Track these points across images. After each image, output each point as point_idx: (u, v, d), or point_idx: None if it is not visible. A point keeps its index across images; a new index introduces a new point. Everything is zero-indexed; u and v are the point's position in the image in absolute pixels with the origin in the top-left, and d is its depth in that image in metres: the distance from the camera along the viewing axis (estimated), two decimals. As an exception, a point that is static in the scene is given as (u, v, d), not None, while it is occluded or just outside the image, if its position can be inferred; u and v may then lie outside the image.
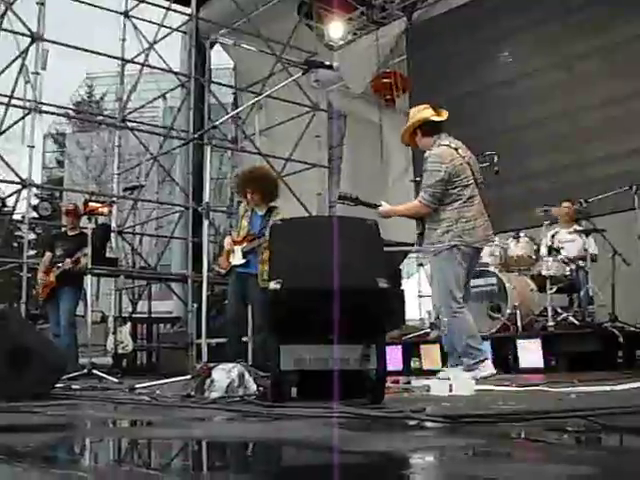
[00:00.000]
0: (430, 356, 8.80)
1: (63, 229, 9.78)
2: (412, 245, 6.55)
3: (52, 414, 3.91)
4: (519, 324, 8.60)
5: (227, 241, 7.71)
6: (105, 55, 14.80)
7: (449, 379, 5.34)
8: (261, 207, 7.74)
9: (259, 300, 7.74)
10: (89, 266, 8.59)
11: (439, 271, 6.28)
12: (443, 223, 6.22)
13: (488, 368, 6.21)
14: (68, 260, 9.05)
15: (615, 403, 3.35)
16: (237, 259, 7.58)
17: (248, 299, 7.65)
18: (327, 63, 6.02)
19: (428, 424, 2.91)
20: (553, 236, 9.19)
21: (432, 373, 6.87)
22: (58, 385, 5.56)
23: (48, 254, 9.50)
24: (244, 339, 7.88)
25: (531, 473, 1.86)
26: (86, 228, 9.06)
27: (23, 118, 12.61)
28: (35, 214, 12.61)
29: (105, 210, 9.51)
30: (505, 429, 2.78)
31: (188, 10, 15.47)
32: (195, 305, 12.13)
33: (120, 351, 11.92)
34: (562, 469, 1.89)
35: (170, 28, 15.96)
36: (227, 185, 17.55)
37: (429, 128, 6.44)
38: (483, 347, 6.30)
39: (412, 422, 2.95)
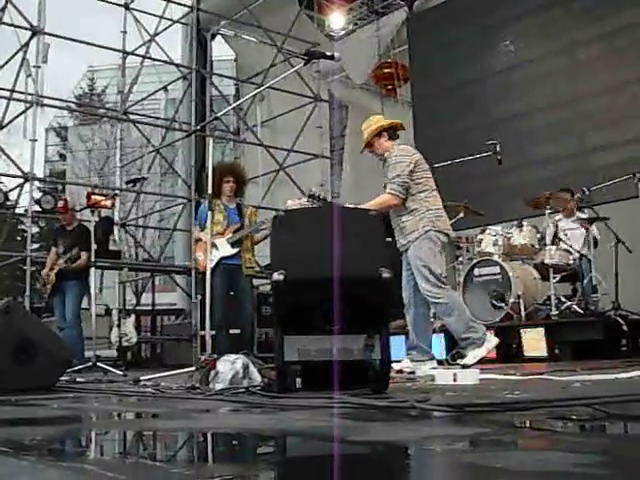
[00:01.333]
0: (434, 345, 8.80)
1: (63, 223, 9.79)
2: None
3: (58, 407, 3.92)
4: (523, 313, 8.61)
5: (204, 235, 7.61)
6: (106, 48, 14.82)
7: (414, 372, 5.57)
8: (231, 201, 7.95)
9: (248, 290, 7.82)
10: (92, 259, 8.60)
11: (417, 259, 6.30)
12: (414, 213, 6.36)
13: (492, 337, 6.45)
14: (61, 261, 9.10)
15: (619, 391, 3.36)
16: (225, 250, 7.63)
17: (236, 290, 7.72)
18: (328, 54, 6.00)
19: (433, 413, 2.91)
20: (556, 225, 9.18)
21: (437, 363, 6.88)
22: (63, 378, 5.57)
23: (53, 249, 9.52)
24: (232, 331, 7.87)
25: (536, 461, 1.86)
26: (87, 221, 9.07)
27: (25, 112, 12.62)
28: (38, 207, 12.57)
29: (108, 203, 9.52)
30: (510, 418, 2.78)
31: (189, 2, 15.49)
32: (199, 297, 12.14)
33: (124, 344, 11.94)
34: (567, 457, 1.90)
35: (171, 20, 15.96)
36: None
37: (393, 133, 6.66)
38: None
39: (417, 412, 2.95)
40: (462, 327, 6.29)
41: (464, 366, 5.96)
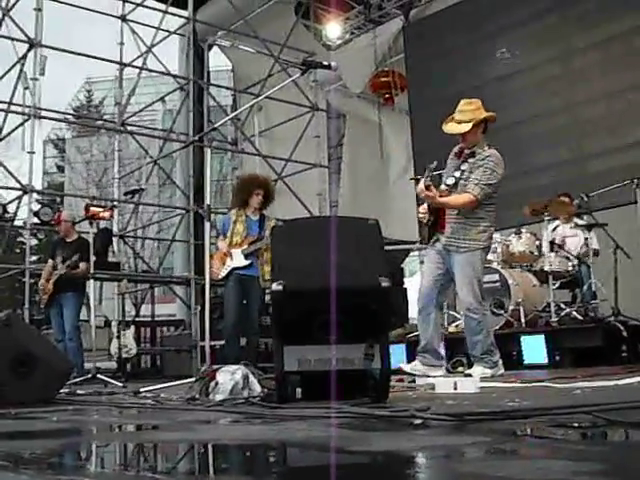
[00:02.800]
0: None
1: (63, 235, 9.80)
2: (413, 243, 6.53)
3: (57, 419, 3.92)
4: (522, 320, 8.61)
5: (222, 244, 7.77)
6: (103, 59, 14.81)
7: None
8: (256, 213, 7.99)
9: (259, 301, 7.83)
10: (91, 271, 8.60)
11: (471, 268, 6.18)
12: (481, 222, 6.20)
13: (502, 367, 6.39)
14: (62, 266, 9.09)
15: (620, 398, 3.35)
16: (238, 261, 7.66)
17: (248, 301, 7.74)
18: (325, 63, 6.01)
19: (433, 423, 2.91)
20: (554, 231, 9.19)
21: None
22: (63, 390, 5.56)
23: (50, 262, 9.53)
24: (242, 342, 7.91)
25: (537, 470, 1.86)
26: (86, 233, 9.07)
27: (22, 124, 12.61)
28: (36, 220, 12.57)
29: (106, 214, 9.54)
30: (510, 426, 2.78)
31: (185, 13, 15.47)
32: (198, 307, 12.14)
33: (124, 355, 11.93)
34: (568, 465, 1.89)
35: (168, 31, 15.96)
36: (228, 186, 17.59)
37: (486, 127, 6.39)
38: None
39: (417, 421, 2.95)
40: (484, 348, 6.25)
41: (467, 375, 5.93)
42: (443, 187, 6.23)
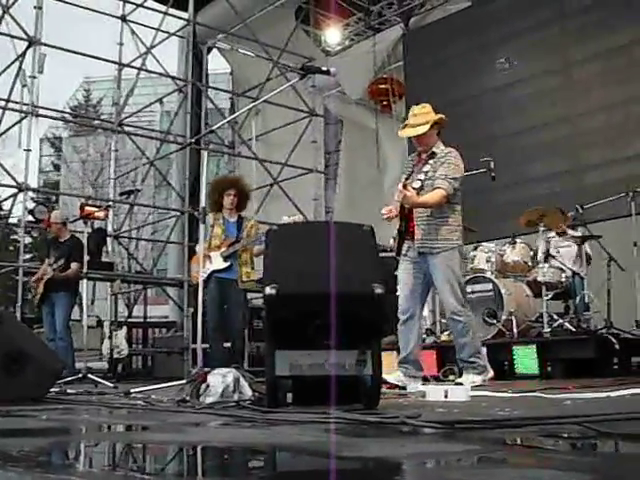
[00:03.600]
0: (426, 362, 8.80)
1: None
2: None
3: (47, 418, 3.91)
4: (515, 330, 8.60)
5: (200, 248, 7.73)
6: (102, 59, 14.82)
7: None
8: (232, 214, 7.97)
9: (240, 304, 7.80)
10: (84, 270, 8.59)
11: (449, 270, 6.19)
12: (451, 221, 6.23)
13: (490, 370, 6.44)
14: (49, 269, 9.11)
15: (610, 410, 3.35)
16: (217, 264, 7.64)
17: (229, 305, 7.72)
18: (324, 68, 6.02)
19: (423, 430, 2.90)
20: (549, 242, 9.20)
21: (428, 379, 6.88)
22: (53, 389, 5.55)
23: (46, 261, 9.53)
24: (226, 345, 7.88)
25: (526, 479, 1.86)
26: (80, 232, 9.06)
27: (20, 122, 12.61)
28: (31, 218, 12.56)
29: (101, 214, 9.53)
30: (500, 435, 2.78)
31: (185, 15, 15.48)
32: (191, 310, 12.13)
33: (115, 356, 11.91)
34: (557, 475, 1.89)
35: (167, 33, 15.97)
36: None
37: (443, 128, 6.48)
38: None
39: (407, 428, 2.94)
40: (472, 351, 6.26)
41: (458, 384, 5.93)
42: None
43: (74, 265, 9.04)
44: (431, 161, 6.23)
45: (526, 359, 8.18)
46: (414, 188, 6.13)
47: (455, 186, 6.17)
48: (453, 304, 6.17)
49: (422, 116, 6.36)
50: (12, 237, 27.37)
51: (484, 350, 6.79)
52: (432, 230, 6.18)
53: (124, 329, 12.50)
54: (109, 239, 14.59)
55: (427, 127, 6.28)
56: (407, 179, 6.35)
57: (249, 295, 9.80)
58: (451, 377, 7.81)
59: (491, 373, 6.41)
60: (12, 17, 12.70)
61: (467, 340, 6.24)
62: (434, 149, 6.32)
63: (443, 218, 6.21)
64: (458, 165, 6.25)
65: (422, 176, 6.19)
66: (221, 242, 7.76)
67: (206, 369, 4.93)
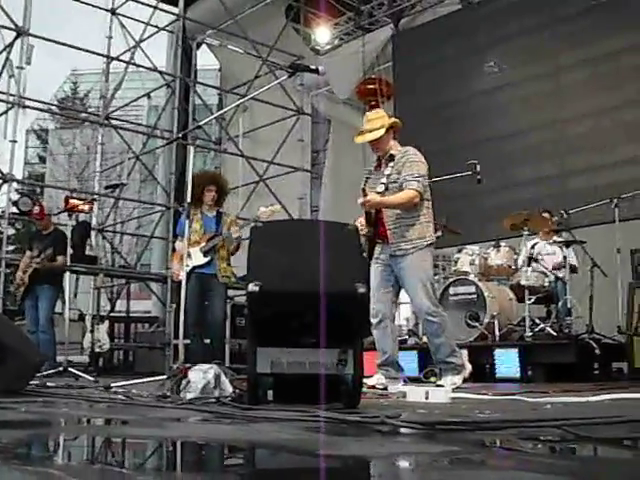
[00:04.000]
0: (407, 363, 8.81)
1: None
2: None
3: (26, 411, 3.89)
4: (497, 333, 8.63)
5: (180, 245, 7.71)
6: (90, 52, 14.75)
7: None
8: (211, 209, 7.97)
9: (221, 298, 7.78)
10: (68, 263, 8.56)
11: (421, 270, 6.16)
12: (422, 219, 6.21)
13: (468, 365, 6.48)
14: (36, 260, 9.07)
15: (590, 414, 3.37)
16: (197, 259, 7.62)
17: (210, 300, 7.71)
18: (313, 67, 6.01)
19: (403, 430, 2.91)
20: (533, 247, 9.23)
21: (410, 380, 6.89)
22: (33, 382, 5.52)
23: (27, 253, 9.49)
24: (206, 341, 7.86)
25: (504, 481, 1.87)
26: (64, 225, 9.03)
27: (6, 112, 12.57)
28: (15, 209, 12.50)
29: (86, 208, 9.49)
30: (480, 437, 2.78)
31: (175, 10, 15.46)
32: (174, 305, 12.10)
33: (97, 350, 11.86)
34: (536, 477, 1.90)
35: (157, 27, 15.94)
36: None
37: (397, 132, 6.50)
38: None
39: (387, 428, 2.94)
40: (448, 350, 6.26)
41: (438, 386, 5.95)
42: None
43: (60, 258, 9.01)
44: (391, 163, 6.24)
45: (507, 362, 8.21)
46: (378, 192, 6.14)
47: (424, 183, 6.17)
48: (427, 305, 6.15)
49: (376, 121, 6.40)
50: (-5, 228, 27.24)
51: (464, 351, 6.81)
52: (404, 231, 6.17)
53: (106, 323, 12.45)
54: (93, 233, 14.55)
55: (382, 131, 6.30)
56: (366, 183, 6.39)
57: (232, 292, 9.79)
58: (432, 379, 7.83)
59: (469, 368, 6.43)
60: (0, 7, 12.64)
61: (442, 340, 6.24)
62: (392, 152, 6.32)
63: (413, 217, 6.19)
64: (420, 161, 6.23)
65: (384, 179, 6.21)
66: (200, 237, 7.74)
67: (187, 365, 4.93)
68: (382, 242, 6.28)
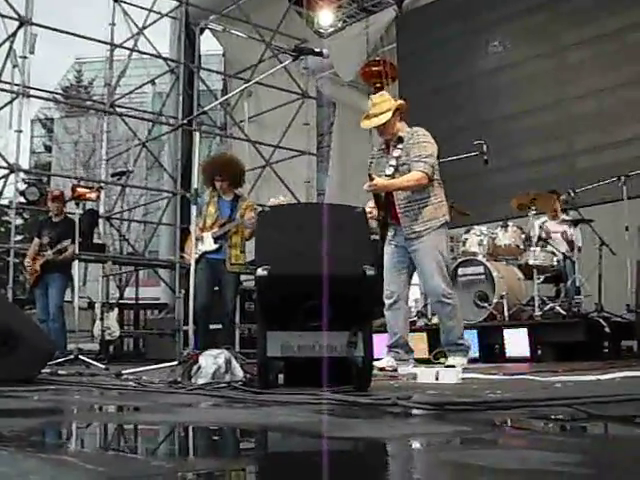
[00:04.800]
0: (417, 345, 8.82)
1: (49, 214, 9.75)
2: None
3: (38, 399, 3.90)
4: (506, 313, 8.63)
5: (194, 228, 7.62)
6: (94, 40, 14.76)
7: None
8: (228, 194, 7.80)
9: (231, 285, 7.73)
10: (76, 252, 8.58)
11: (437, 251, 6.17)
12: (433, 199, 6.20)
13: (471, 345, 6.67)
14: (50, 252, 9.07)
15: (600, 392, 3.37)
16: (208, 245, 7.57)
17: (220, 286, 7.68)
18: (317, 50, 6.00)
19: (414, 411, 2.91)
20: (541, 226, 9.21)
21: (419, 362, 6.91)
22: (45, 370, 5.54)
23: (36, 240, 9.50)
24: (213, 326, 7.84)
25: (516, 459, 1.87)
26: (72, 213, 9.04)
27: (11, 102, 12.56)
28: (22, 199, 12.53)
29: (93, 196, 9.51)
30: (491, 417, 2.79)
31: (178, -5, 15.42)
32: (182, 291, 12.13)
33: (107, 337, 11.92)
34: (547, 456, 1.90)
35: (160, 13, 15.91)
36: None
37: (403, 113, 6.45)
38: None
39: (398, 409, 2.95)
40: (459, 332, 6.30)
41: (449, 366, 5.96)
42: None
43: (70, 247, 9.02)
44: (400, 145, 6.21)
45: (517, 342, 8.22)
46: (387, 175, 6.12)
47: (432, 163, 6.13)
48: (442, 287, 6.16)
49: (382, 104, 6.37)
50: (3, 218, 27.33)
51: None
52: (416, 213, 6.16)
53: (115, 311, 12.50)
54: (101, 220, 14.57)
55: (389, 115, 6.27)
56: (370, 167, 6.39)
57: (241, 277, 9.79)
58: (442, 360, 7.84)
59: (472, 349, 6.52)
60: (3, -4, 12.63)
61: (454, 323, 6.28)
62: (400, 134, 6.29)
63: (424, 198, 6.18)
64: (429, 142, 6.21)
65: (394, 162, 6.18)
66: (213, 222, 7.67)
67: (197, 350, 4.94)
68: (395, 224, 6.27)
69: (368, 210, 6.14)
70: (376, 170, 6.36)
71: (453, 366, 5.90)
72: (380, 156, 6.47)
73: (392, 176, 6.11)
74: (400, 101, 6.46)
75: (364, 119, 6.46)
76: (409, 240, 6.20)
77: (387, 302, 6.32)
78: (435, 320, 9.17)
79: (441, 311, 6.36)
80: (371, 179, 6.06)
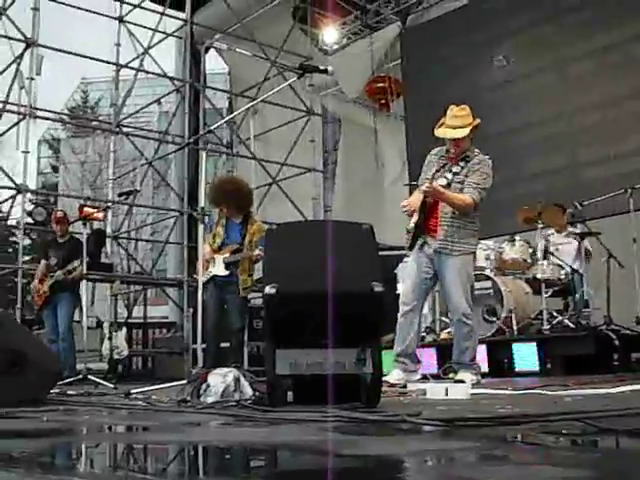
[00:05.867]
0: (426, 360, 8.80)
1: (55, 235, 9.78)
2: (402, 249, 6.50)
3: (48, 419, 3.90)
4: (514, 327, 8.61)
5: (206, 250, 7.60)
6: (100, 60, 14.82)
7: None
8: (237, 216, 7.84)
9: (238, 304, 7.74)
10: (84, 272, 8.58)
11: (465, 273, 6.22)
12: (472, 227, 6.26)
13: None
14: (59, 272, 9.09)
15: (611, 406, 3.36)
16: (219, 270, 7.58)
17: (228, 304, 7.70)
18: (322, 67, 6.02)
19: (424, 428, 2.91)
20: (548, 240, 9.19)
21: (429, 377, 6.88)
22: (54, 390, 5.55)
23: (43, 262, 9.52)
24: (223, 345, 7.86)
25: (527, 476, 1.86)
26: (79, 233, 9.06)
27: (18, 124, 12.61)
28: (30, 220, 12.58)
29: (100, 215, 9.52)
30: (501, 432, 2.78)
31: (182, 15, 15.48)
32: (190, 310, 12.12)
33: (115, 356, 11.90)
34: (558, 471, 1.89)
35: (165, 33, 15.97)
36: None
37: (474, 133, 6.40)
38: None
39: (408, 426, 2.94)
40: (471, 354, 6.30)
41: (458, 381, 5.95)
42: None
43: (79, 268, 9.05)
44: (462, 163, 6.20)
45: (526, 356, 8.19)
46: (440, 185, 6.13)
47: (483, 196, 6.18)
48: (464, 306, 6.17)
49: (462, 118, 6.31)
50: (11, 239, 27.38)
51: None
52: (455, 231, 6.18)
53: (124, 330, 12.51)
54: (108, 240, 14.59)
55: (467, 131, 6.24)
56: (436, 173, 6.34)
57: (248, 295, 9.78)
58: (451, 375, 7.81)
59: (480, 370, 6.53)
60: (9, 19, 12.72)
61: (470, 344, 6.28)
62: (468, 152, 6.29)
63: (467, 222, 6.22)
64: (490, 175, 6.24)
65: (450, 175, 6.15)
66: (222, 242, 7.69)
67: (206, 369, 4.94)
68: (426, 235, 6.27)
69: (404, 204, 6.21)
70: (428, 169, 6.40)
71: (462, 381, 5.89)
72: (438, 160, 6.43)
73: (445, 187, 6.11)
74: (478, 120, 6.39)
75: (439, 127, 6.39)
76: (440, 254, 6.21)
77: (403, 309, 6.29)
78: (444, 335, 9.17)
79: (459, 331, 6.33)
80: (430, 181, 6.05)
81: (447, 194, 6.09)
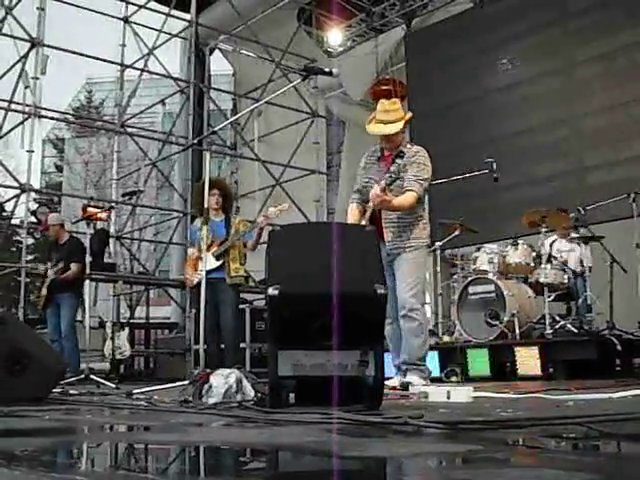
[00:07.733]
0: (427, 363, 8.80)
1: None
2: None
3: (50, 418, 3.91)
4: (517, 331, 8.60)
5: (191, 251, 7.72)
6: (105, 60, 14.86)
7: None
8: (218, 214, 7.99)
9: (230, 302, 7.78)
10: (87, 271, 8.59)
11: (415, 266, 6.14)
12: (421, 220, 6.22)
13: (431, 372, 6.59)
14: (51, 272, 9.17)
15: (613, 410, 3.35)
16: (210, 264, 7.60)
17: (220, 304, 7.73)
18: (326, 69, 6.01)
19: (426, 430, 2.90)
20: (551, 244, 9.19)
21: (431, 380, 6.87)
22: (56, 390, 5.55)
23: (48, 264, 9.56)
24: (222, 346, 7.88)
25: (529, 478, 1.86)
26: (83, 233, 9.08)
27: (22, 123, 12.63)
28: (33, 219, 12.58)
29: (103, 215, 9.53)
30: (503, 435, 2.78)
31: (188, 16, 15.49)
32: (193, 311, 12.13)
33: (118, 357, 11.90)
34: (560, 475, 1.89)
35: (170, 34, 15.99)
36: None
37: (406, 126, 6.39)
38: None
39: (410, 428, 2.94)
40: (422, 353, 6.20)
41: (410, 384, 5.88)
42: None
43: (74, 266, 9.08)
44: (398, 160, 6.03)
45: (528, 360, 8.18)
46: (381, 188, 6.04)
47: (425, 187, 6.14)
48: (411, 301, 6.07)
49: (393, 113, 6.26)
50: (15, 238, 27.42)
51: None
52: (402, 231, 6.15)
53: (126, 330, 12.49)
54: (111, 240, 14.59)
55: (400, 125, 6.21)
56: (364, 170, 6.34)
57: (251, 296, 9.78)
58: (453, 378, 7.82)
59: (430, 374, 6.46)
60: (15, 18, 12.74)
61: (420, 341, 6.15)
62: (402, 148, 6.20)
63: (413, 218, 6.17)
64: (427, 165, 6.17)
65: (388, 177, 6.00)
66: (210, 242, 7.73)
67: (208, 370, 4.94)
68: (382, 241, 6.18)
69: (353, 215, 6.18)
70: (366, 174, 6.33)
71: (409, 383, 5.84)
72: (373, 162, 6.39)
73: (385, 188, 6.03)
74: (410, 114, 6.40)
75: (371, 122, 6.33)
76: (391, 255, 6.14)
77: (389, 318, 6.22)
78: (446, 339, 9.17)
79: (406, 326, 6.15)
80: (384, 191, 5.94)
81: (394, 203, 5.97)
